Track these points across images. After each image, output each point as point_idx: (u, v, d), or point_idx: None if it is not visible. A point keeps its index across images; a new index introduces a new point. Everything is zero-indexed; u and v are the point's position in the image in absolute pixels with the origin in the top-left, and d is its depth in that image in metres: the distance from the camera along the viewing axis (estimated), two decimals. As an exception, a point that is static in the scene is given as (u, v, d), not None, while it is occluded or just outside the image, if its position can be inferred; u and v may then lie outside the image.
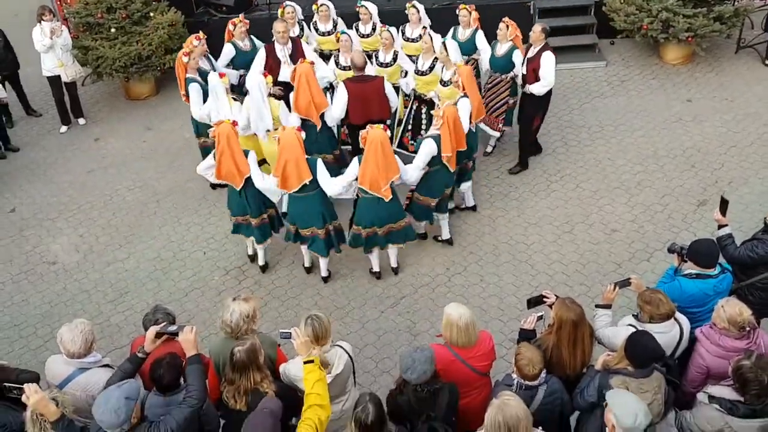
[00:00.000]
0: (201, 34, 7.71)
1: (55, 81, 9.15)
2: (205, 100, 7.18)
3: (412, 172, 6.27)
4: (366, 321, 6.39)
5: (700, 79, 9.48)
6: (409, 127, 7.77)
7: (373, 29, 7.95)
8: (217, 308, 5.85)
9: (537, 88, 7.32)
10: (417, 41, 7.69)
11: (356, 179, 6.12)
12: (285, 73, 7.33)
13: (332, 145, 7.24)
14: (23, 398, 3.58)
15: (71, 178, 8.66)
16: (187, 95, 7.34)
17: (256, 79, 6.83)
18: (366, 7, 7.99)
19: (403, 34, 7.94)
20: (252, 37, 7.99)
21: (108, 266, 7.27)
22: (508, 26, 7.49)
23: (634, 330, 4.14)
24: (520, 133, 7.96)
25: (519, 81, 7.64)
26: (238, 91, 7.66)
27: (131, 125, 9.61)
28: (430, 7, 9.01)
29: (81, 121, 9.69)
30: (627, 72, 9.83)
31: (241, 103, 6.99)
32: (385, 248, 6.61)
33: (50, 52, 8.85)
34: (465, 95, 6.65)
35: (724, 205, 5.18)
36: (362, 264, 6.87)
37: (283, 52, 7.44)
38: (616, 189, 7.71)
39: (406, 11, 7.91)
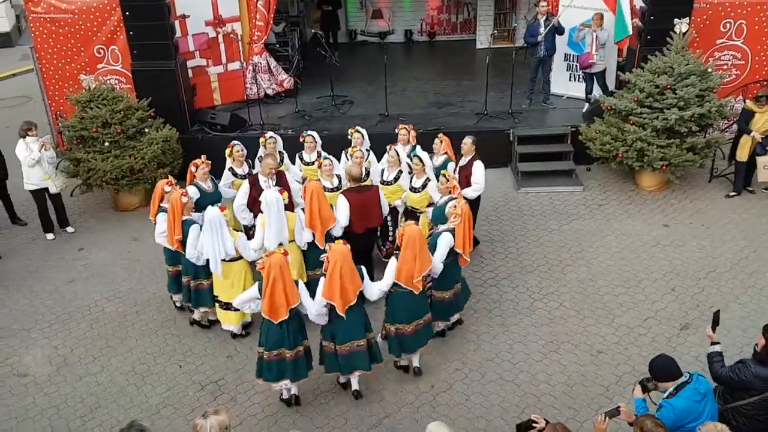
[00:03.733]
0: (172, 179, 7.59)
1: (39, 193, 9.26)
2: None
3: (438, 264, 6.59)
4: (347, 442, 6.14)
5: (675, 206, 9.82)
6: None
7: (319, 155, 8.40)
8: (189, 428, 5.61)
9: (470, 193, 8.01)
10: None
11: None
12: None
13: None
14: None
15: (51, 288, 8.53)
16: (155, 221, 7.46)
17: (273, 195, 6.91)
18: (312, 136, 8.51)
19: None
20: (213, 177, 7.89)
21: (80, 380, 7.01)
22: (441, 141, 8.18)
23: None
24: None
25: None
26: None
27: (117, 236, 9.62)
28: (423, 131, 9.45)
29: (69, 229, 9.71)
30: (604, 197, 10.17)
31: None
32: (412, 353, 6.72)
33: (37, 166, 9.01)
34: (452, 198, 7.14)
35: (716, 321, 5.23)
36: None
37: (267, 183, 7.64)
38: (599, 310, 7.74)
39: (349, 136, 8.52)
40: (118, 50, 10.90)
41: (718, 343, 5.23)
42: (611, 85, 11.10)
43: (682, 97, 9.38)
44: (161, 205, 7.39)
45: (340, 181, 8.02)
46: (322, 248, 6.97)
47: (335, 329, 6.22)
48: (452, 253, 6.77)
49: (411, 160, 7.90)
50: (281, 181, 7.74)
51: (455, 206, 6.78)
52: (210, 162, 7.84)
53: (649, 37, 10.19)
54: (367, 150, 8.46)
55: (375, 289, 6.35)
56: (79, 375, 7.08)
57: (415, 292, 6.39)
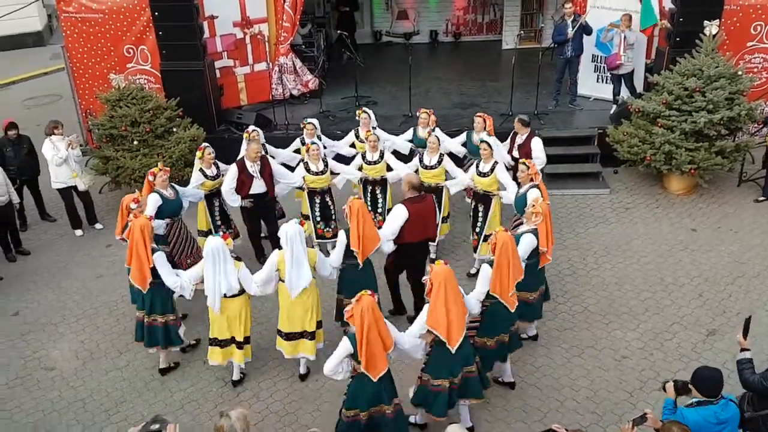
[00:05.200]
0: (138, 195, 7.36)
1: (66, 191, 9.42)
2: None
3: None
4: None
5: (704, 210, 9.67)
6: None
7: (319, 138, 8.97)
8: (211, 424, 5.65)
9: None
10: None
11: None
12: (257, 186, 8.17)
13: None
14: None
15: (78, 283, 8.68)
16: (123, 239, 7.07)
17: (293, 228, 6.24)
18: (313, 123, 8.99)
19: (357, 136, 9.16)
20: (173, 185, 7.80)
21: (106, 374, 7.12)
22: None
23: None
24: None
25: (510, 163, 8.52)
26: (162, 241, 7.52)
27: (143, 233, 9.76)
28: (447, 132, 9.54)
29: (98, 226, 9.88)
30: (631, 200, 10.06)
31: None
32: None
33: (64, 164, 9.18)
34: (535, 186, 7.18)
35: (746, 328, 5.14)
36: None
37: (253, 168, 8.11)
38: (624, 314, 7.65)
39: (357, 117, 9.16)
40: (147, 50, 11.05)
41: (749, 349, 5.13)
42: (639, 87, 10.96)
43: (711, 100, 9.25)
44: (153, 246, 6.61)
45: (326, 165, 8.38)
46: (365, 270, 6.74)
47: (449, 362, 5.60)
48: (535, 254, 6.57)
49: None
50: (265, 166, 8.19)
51: (533, 205, 6.61)
52: (168, 169, 7.81)
53: (678, 39, 10.06)
54: (373, 127, 9.05)
55: (474, 301, 5.89)
56: (105, 369, 7.19)
57: (510, 308, 6.00)
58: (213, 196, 8.37)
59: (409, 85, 11.37)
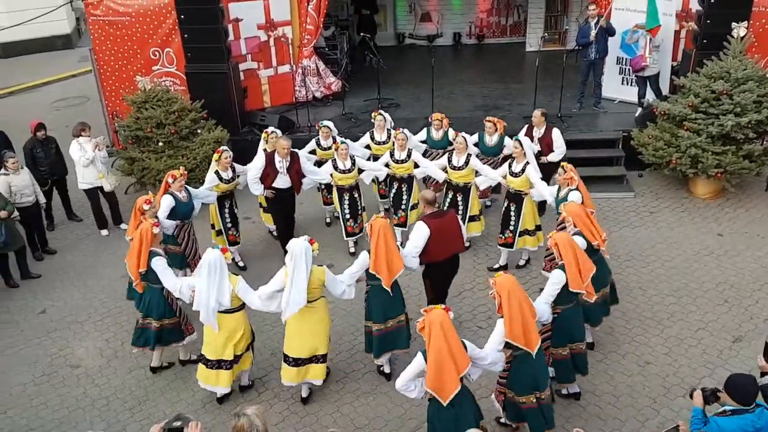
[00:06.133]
0: (150, 196, 7.44)
1: (92, 192, 9.57)
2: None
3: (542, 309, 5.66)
4: (387, 445, 6.15)
5: (730, 214, 9.52)
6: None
7: (334, 140, 9.09)
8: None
9: (554, 157, 8.74)
10: (386, 143, 9.17)
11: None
12: (281, 181, 8.32)
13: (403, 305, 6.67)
14: None
15: (104, 283, 8.80)
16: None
17: (301, 244, 6.03)
18: (328, 126, 9.25)
19: (373, 138, 9.34)
20: (188, 187, 7.87)
21: (129, 372, 7.21)
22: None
23: None
24: None
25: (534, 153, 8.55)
26: (173, 241, 7.81)
27: (168, 233, 9.88)
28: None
29: (123, 226, 10.00)
30: (656, 204, 9.93)
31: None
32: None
33: (91, 165, 9.32)
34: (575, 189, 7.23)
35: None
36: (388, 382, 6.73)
37: (281, 163, 8.25)
38: (648, 320, 7.56)
39: (373, 120, 9.34)
40: (173, 53, 11.20)
41: None
42: (665, 89, 10.84)
43: (738, 103, 9.11)
44: (152, 249, 6.61)
45: (353, 163, 8.56)
46: (386, 292, 6.35)
47: (532, 374, 5.42)
48: (592, 251, 6.35)
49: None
50: (294, 164, 8.28)
51: (565, 170, 7.08)
52: (186, 173, 7.93)
53: (705, 41, 9.91)
54: (389, 129, 9.28)
55: (544, 306, 5.68)
56: (129, 368, 7.28)
57: (590, 299, 5.89)
58: (225, 198, 8.45)
59: (432, 87, 11.37)
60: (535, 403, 5.43)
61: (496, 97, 12.55)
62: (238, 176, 8.47)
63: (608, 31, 10.81)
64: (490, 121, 8.94)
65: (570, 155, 10.34)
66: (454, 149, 8.45)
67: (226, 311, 6.23)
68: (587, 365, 6.31)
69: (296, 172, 8.32)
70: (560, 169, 7.47)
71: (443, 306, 5.04)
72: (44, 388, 7.05)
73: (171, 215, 7.58)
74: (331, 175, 8.58)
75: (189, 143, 10.00)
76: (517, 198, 8.15)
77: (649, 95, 10.91)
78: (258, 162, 8.39)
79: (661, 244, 8.92)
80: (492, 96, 12.65)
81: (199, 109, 10.34)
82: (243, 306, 6.33)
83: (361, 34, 14.11)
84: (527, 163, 7.96)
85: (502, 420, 5.96)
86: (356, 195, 8.74)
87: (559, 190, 7.52)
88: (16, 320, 8.16)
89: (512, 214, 8.21)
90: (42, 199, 9.25)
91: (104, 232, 9.90)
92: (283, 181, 8.35)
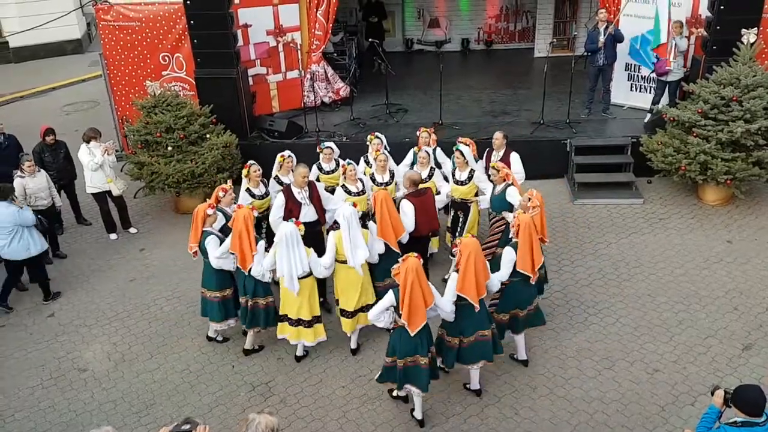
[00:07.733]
0: (228, 185, 7.57)
1: (101, 196, 9.62)
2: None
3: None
4: (393, 451, 6.14)
5: (740, 221, 9.46)
6: None
7: (337, 164, 8.70)
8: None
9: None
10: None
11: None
12: (307, 214, 7.63)
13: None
14: None
15: (112, 286, 8.84)
16: (202, 251, 7.14)
17: (348, 209, 6.86)
18: (330, 147, 8.75)
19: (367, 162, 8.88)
20: (224, 209, 7.55)
21: (137, 376, 7.23)
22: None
23: None
24: None
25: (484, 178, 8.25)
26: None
27: (178, 237, 9.86)
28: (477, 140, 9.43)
29: (132, 230, 10.06)
30: (665, 210, 9.88)
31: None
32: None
33: (99, 169, 9.37)
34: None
35: None
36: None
37: (301, 194, 7.65)
38: (656, 327, 7.51)
39: (368, 142, 8.93)
40: (182, 58, 11.26)
41: None
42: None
43: (748, 110, 9.06)
44: (205, 229, 7.10)
45: (392, 177, 8.32)
46: (392, 257, 6.76)
47: (463, 324, 6.23)
48: (516, 273, 6.77)
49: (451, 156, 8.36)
50: (313, 191, 7.74)
51: (529, 198, 6.93)
52: (231, 188, 7.70)
53: (714, 47, 9.88)
54: (385, 148, 8.92)
55: (496, 281, 6.43)
56: (136, 372, 7.30)
57: (532, 281, 6.58)
58: (261, 220, 7.92)
59: (440, 92, 11.38)
60: (456, 345, 6.29)
61: (504, 103, 12.54)
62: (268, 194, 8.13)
63: (616, 37, 10.78)
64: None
65: (578, 161, 10.34)
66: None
67: (301, 277, 6.82)
68: (524, 324, 6.86)
69: (318, 200, 7.74)
70: (492, 170, 7.69)
71: (415, 255, 5.89)
72: (52, 392, 7.07)
73: (221, 232, 7.27)
74: (372, 187, 8.08)
75: (198, 148, 10.03)
76: (463, 206, 8.15)
77: (664, 101, 10.83)
78: (278, 201, 7.69)
79: (670, 251, 8.87)
80: (500, 102, 12.64)
81: (208, 113, 10.38)
82: (311, 274, 6.96)
83: (370, 39, 14.14)
84: (472, 170, 8.00)
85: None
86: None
87: (494, 188, 7.76)
88: (25, 323, 8.20)
89: (459, 222, 8.23)
90: (58, 202, 9.33)
91: (113, 236, 9.95)
92: (308, 214, 7.64)
